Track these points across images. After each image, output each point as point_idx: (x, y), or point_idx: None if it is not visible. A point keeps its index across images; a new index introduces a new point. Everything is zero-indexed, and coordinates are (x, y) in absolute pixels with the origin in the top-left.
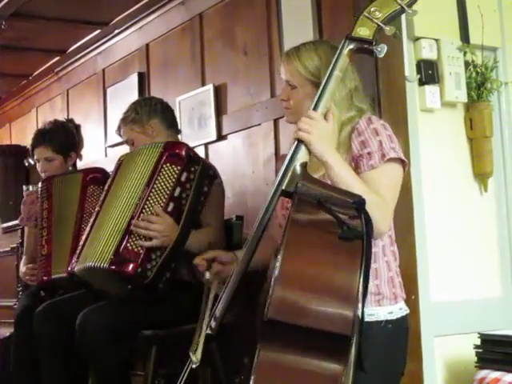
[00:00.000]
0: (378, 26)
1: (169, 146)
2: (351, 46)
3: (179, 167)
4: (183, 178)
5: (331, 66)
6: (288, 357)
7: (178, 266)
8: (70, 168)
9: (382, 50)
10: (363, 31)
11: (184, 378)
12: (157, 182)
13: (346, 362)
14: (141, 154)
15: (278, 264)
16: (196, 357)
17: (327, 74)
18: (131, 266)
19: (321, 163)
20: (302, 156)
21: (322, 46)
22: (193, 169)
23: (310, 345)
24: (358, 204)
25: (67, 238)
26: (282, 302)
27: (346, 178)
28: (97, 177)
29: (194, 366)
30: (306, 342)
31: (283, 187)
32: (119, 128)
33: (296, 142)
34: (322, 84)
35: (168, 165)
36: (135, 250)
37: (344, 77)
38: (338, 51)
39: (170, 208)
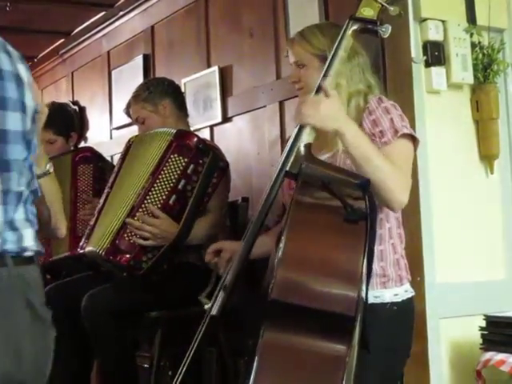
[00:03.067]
0: (382, 6)
1: (179, 136)
2: (355, 27)
3: (186, 159)
4: (189, 171)
5: (335, 46)
6: (292, 337)
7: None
8: (72, 148)
9: (386, 30)
10: (367, 11)
11: (191, 355)
12: (162, 172)
13: (349, 342)
14: (151, 140)
15: (281, 245)
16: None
17: (331, 54)
18: (125, 257)
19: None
20: (308, 134)
21: (325, 25)
22: (201, 161)
23: (313, 325)
24: (362, 185)
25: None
26: (285, 283)
27: (363, 147)
28: (86, 156)
29: (205, 307)
30: (309, 323)
31: (287, 168)
32: (128, 106)
33: (298, 127)
34: (326, 64)
35: (176, 155)
36: (131, 241)
37: (351, 52)
38: (342, 32)
39: (171, 200)
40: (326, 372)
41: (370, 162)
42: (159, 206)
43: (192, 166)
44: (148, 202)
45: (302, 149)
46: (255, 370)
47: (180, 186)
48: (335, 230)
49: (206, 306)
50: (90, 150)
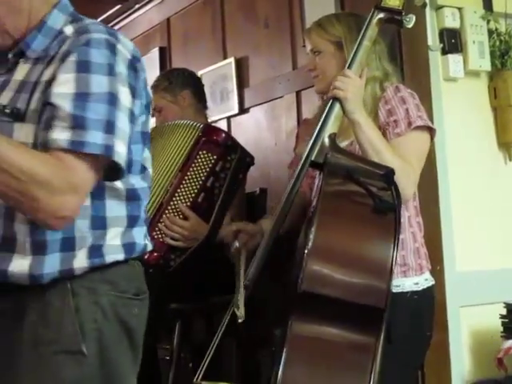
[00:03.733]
0: None
1: (207, 131)
2: (381, 16)
3: (215, 156)
4: (218, 168)
5: (360, 35)
6: (321, 329)
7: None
8: None
9: (410, 20)
10: (393, 1)
11: (215, 345)
12: (191, 169)
13: (378, 334)
14: (174, 132)
15: (311, 236)
16: (240, 312)
17: (356, 44)
18: (154, 255)
19: (350, 123)
20: (333, 123)
21: (342, 13)
22: (229, 158)
23: (343, 317)
24: (387, 176)
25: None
26: (315, 275)
27: (373, 139)
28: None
29: (240, 321)
30: (338, 315)
31: (312, 158)
32: None
33: (331, 101)
34: (352, 53)
35: (204, 152)
36: (160, 240)
37: (379, 58)
38: (368, 21)
39: (200, 198)
40: (355, 364)
41: (379, 154)
42: (188, 204)
43: (220, 163)
44: (177, 200)
45: (327, 139)
46: (284, 361)
47: (209, 184)
48: (365, 221)
49: (240, 315)
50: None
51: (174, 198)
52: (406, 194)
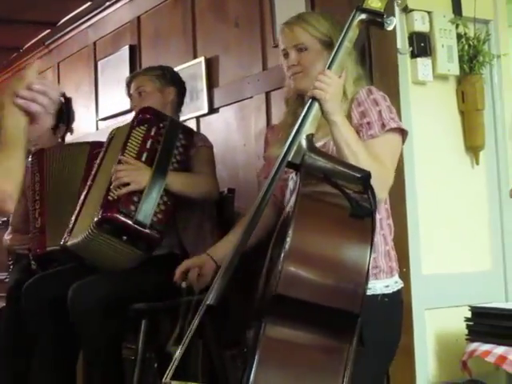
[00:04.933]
0: None
1: (137, 113)
2: (362, 17)
3: (147, 125)
4: (153, 132)
5: (341, 36)
6: (294, 332)
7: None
8: (59, 140)
9: (391, 22)
10: (375, 3)
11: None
12: (128, 144)
13: (352, 339)
14: (124, 129)
15: (288, 239)
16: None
17: (337, 45)
18: (114, 209)
19: (328, 123)
20: (310, 124)
21: (323, 12)
22: (161, 124)
23: (317, 321)
24: (364, 179)
25: (69, 209)
26: (291, 278)
27: (350, 141)
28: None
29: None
30: (313, 319)
31: (289, 158)
32: (133, 78)
33: (310, 101)
34: (332, 54)
35: (137, 128)
36: (115, 198)
37: (353, 60)
38: (349, 22)
39: (143, 157)
40: (327, 368)
41: (355, 156)
42: None
43: (154, 129)
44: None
45: (304, 140)
46: (256, 364)
47: (148, 146)
48: (342, 225)
49: (177, 354)
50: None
51: (117, 168)
52: (381, 195)
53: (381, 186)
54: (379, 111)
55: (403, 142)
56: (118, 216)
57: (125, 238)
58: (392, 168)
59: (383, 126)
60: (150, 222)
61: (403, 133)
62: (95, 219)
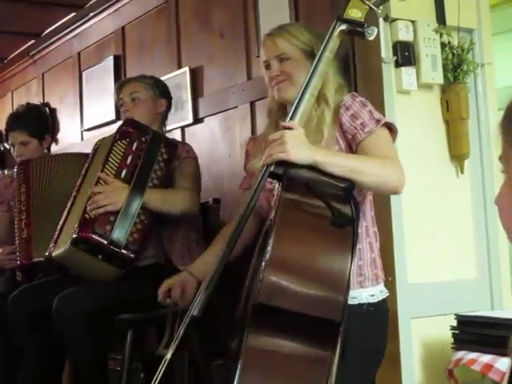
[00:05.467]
0: (370, 8)
1: (119, 126)
2: (343, 27)
3: (128, 139)
4: (134, 147)
5: (322, 47)
6: (277, 342)
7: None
8: (45, 151)
9: (372, 32)
10: (355, 13)
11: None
12: (109, 158)
13: (334, 348)
14: (108, 141)
15: (269, 248)
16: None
17: (318, 55)
18: (89, 229)
19: (315, 164)
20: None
21: (303, 23)
22: (144, 138)
23: (299, 330)
24: (347, 188)
25: (56, 220)
26: (273, 287)
27: (343, 165)
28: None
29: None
30: (296, 328)
31: (272, 169)
32: (125, 83)
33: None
34: (313, 64)
35: (119, 142)
36: (92, 217)
37: (334, 70)
38: (329, 32)
39: (123, 174)
40: (309, 378)
41: (357, 171)
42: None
43: (136, 143)
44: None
45: None
46: (239, 374)
47: (128, 161)
48: (323, 233)
49: (168, 356)
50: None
51: (98, 183)
52: (401, 183)
53: (398, 176)
54: (369, 111)
55: (393, 141)
56: (92, 236)
57: (100, 256)
58: (396, 155)
59: (377, 121)
60: (125, 242)
61: (393, 132)
62: (72, 236)
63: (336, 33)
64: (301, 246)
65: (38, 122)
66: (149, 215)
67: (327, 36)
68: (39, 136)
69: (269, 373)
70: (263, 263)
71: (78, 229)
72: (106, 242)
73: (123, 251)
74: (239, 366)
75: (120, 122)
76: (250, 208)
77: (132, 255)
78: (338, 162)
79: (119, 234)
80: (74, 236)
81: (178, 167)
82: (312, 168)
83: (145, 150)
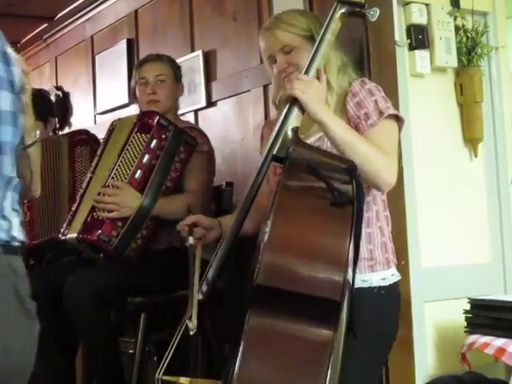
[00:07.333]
0: None
1: (141, 116)
2: (343, 10)
3: (148, 135)
4: (153, 146)
5: (323, 29)
6: (278, 322)
7: (155, 234)
8: (51, 133)
9: (374, 13)
10: None
11: (175, 344)
12: (126, 151)
13: (336, 327)
14: (130, 123)
15: (267, 229)
16: (193, 323)
17: (319, 38)
18: (96, 233)
19: (317, 123)
20: (295, 117)
21: (299, 9)
22: (164, 136)
23: (299, 310)
24: (350, 169)
25: (59, 200)
26: (271, 268)
27: (343, 136)
28: (82, 138)
29: (191, 333)
30: (295, 308)
31: (274, 152)
32: (150, 62)
33: (289, 103)
34: (314, 47)
35: (138, 134)
36: (99, 218)
37: (335, 48)
38: (330, 15)
39: (137, 175)
40: (311, 357)
41: (354, 149)
42: (125, 181)
43: (155, 141)
44: (113, 179)
45: (290, 133)
46: (241, 356)
47: (145, 161)
48: (322, 214)
49: (192, 327)
50: (86, 132)
51: (110, 179)
52: (388, 180)
53: (389, 172)
54: (375, 101)
55: (400, 130)
56: (96, 240)
57: (101, 255)
58: (395, 152)
59: (381, 113)
60: (128, 249)
61: (399, 121)
62: (79, 236)
63: (337, 15)
64: (299, 226)
65: (41, 105)
66: (154, 221)
67: (328, 18)
68: (43, 119)
69: (270, 353)
70: (261, 244)
71: (83, 229)
72: (110, 248)
73: (125, 255)
74: (241, 347)
75: (139, 109)
76: (253, 190)
77: (133, 258)
78: (338, 130)
79: (125, 241)
80: (79, 236)
81: (190, 160)
82: (314, 150)
83: (164, 149)
